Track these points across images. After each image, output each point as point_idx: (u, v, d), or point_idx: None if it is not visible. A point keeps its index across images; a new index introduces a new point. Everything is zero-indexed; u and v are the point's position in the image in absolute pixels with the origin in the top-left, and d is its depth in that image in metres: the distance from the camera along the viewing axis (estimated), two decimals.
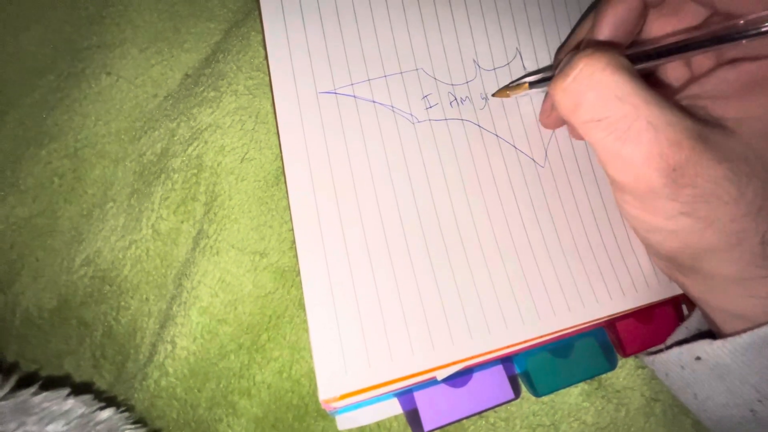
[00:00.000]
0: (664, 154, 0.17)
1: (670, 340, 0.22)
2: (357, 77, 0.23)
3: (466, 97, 0.25)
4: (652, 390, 0.23)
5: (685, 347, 0.20)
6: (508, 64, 0.26)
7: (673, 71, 0.22)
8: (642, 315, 0.24)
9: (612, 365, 0.23)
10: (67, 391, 0.20)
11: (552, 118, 0.23)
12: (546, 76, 0.22)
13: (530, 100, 0.25)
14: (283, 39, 0.23)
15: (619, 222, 0.24)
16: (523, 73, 0.25)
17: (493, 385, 0.21)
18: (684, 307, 0.25)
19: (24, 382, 0.20)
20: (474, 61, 0.25)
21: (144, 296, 0.22)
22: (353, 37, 0.24)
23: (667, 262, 0.21)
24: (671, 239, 0.19)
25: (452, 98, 0.24)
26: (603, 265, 0.23)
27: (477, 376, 0.21)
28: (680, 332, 0.23)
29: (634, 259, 0.23)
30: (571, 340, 0.23)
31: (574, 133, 0.24)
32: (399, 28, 0.24)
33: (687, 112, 0.18)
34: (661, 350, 0.21)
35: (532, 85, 0.22)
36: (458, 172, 0.23)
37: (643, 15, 0.20)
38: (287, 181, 0.21)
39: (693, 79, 0.20)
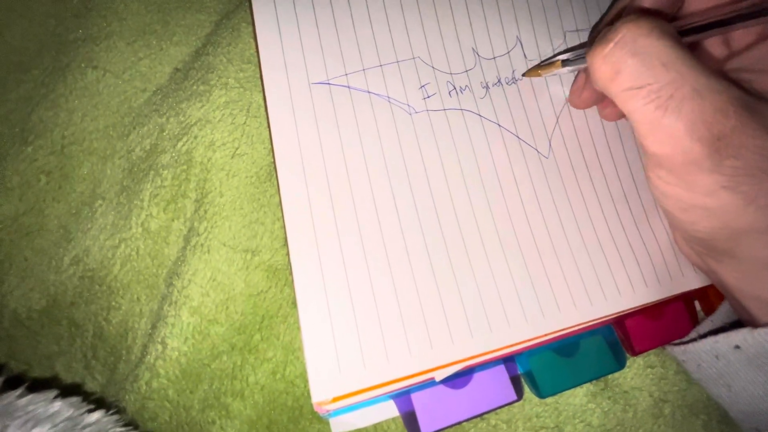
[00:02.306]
0: (708, 122, 0.16)
1: (694, 334, 0.22)
2: (351, 67, 0.22)
3: (466, 86, 0.24)
4: (661, 390, 0.22)
5: (722, 336, 0.19)
6: (508, 52, 0.25)
7: (711, 47, 0.21)
8: (652, 312, 0.23)
9: (621, 364, 0.22)
10: (54, 393, 0.20)
11: (583, 98, 0.22)
12: (580, 54, 0.21)
13: (546, 82, 0.24)
14: (274, 27, 0.22)
15: (628, 215, 0.23)
16: (523, 61, 0.24)
17: (494, 386, 0.20)
18: (696, 303, 0.24)
19: (12, 384, 0.20)
20: (473, 49, 0.24)
21: (135, 296, 0.22)
22: (347, 25, 0.23)
23: (700, 246, 0.20)
24: (708, 218, 0.18)
25: (451, 87, 0.23)
26: (611, 260, 0.22)
27: (477, 376, 0.20)
28: (705, 326, 0.22)
29: (645, 253, 0.22)
30: (576, 338, 0.22)
31: (606, 112, 0.23)
32: (395, 15, 0.23)
33: (732, 82, 0.17)
34: (689, 341, 0.21)
35: (565, 63, 0.22)
36: (458, 163, 0.22)
37: None
38: (278, 177, 0.20)
39: (732, 54, 0.20)
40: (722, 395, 0.20)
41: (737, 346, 0.18)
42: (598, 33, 0.20)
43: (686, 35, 0.18)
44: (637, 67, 0.17)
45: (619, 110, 0.22)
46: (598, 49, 0.17)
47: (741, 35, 0.20)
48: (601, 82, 0.18)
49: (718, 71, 0.18)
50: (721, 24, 0.18)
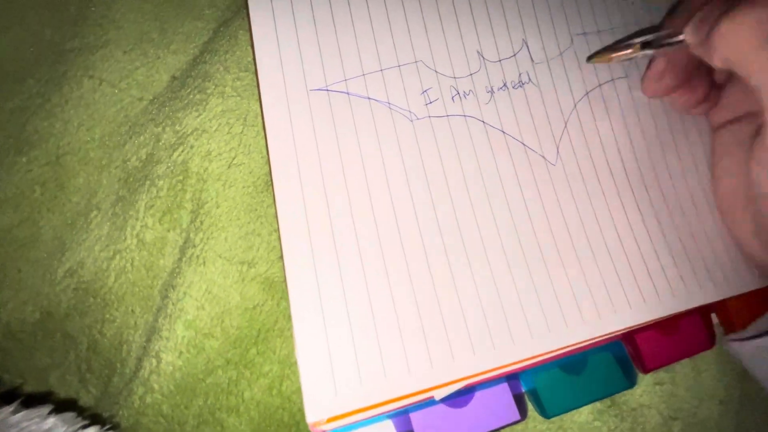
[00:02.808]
0: None
1: (752, 330, 0.21)
2: (351, 72, 0.22)
3: (470, 90, 0.23)
4: (671, 408, 0.21)
5: None
6: (514, 55, 0.24)
7: None
8: (665, 326, 0.21)
9: (631, 382, 0.21)
10: (48, 408, 0.19)
11: (664, 83, 0.21)
12: (661, 35, 0.20)
13: (553, 85, 0.23)
14: (271, 31, 0.21)
15: (640, 224, 0.22)
16: (530, 64, 0.24)
17: (497, 404, 0.19)
18: (713, 316, 0.23)
19: (6, 399, 0.20)
20: (478, 52, 0.23)
21: (129, 308, 0.22)
22: (347, 28, 0.22)
23: None
24: None
25: (454, 92, 0.23)
26: (622, 272, 0.21)
27: (479, 395, 0.19)
28: (763, 323, 0.21)
29: (657, 264, 0.21)
30: (584, 354, 0.21)
31: (683, 100, 0.22)
32: (396, 16, 0.23)
33: None
34: (747, 338, 0.20)
35: (646, 45, 0.21)
36: (461, 172, 0.21)
37: None
38: (274, 187, 0.20)
39: None
40: None
41: None
42: (700, 11, 0.18)
43: None
44: None
45: (698, 97, 0.21)
46: (739, 16, 0.16)
47: None
48: (737, 53, 0.16)
49: None
50: None
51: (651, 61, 0.22)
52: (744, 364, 0.20)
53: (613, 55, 0.21)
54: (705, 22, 0.18)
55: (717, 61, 0.17)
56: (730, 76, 0.22)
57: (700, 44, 0.18)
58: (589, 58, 0.23)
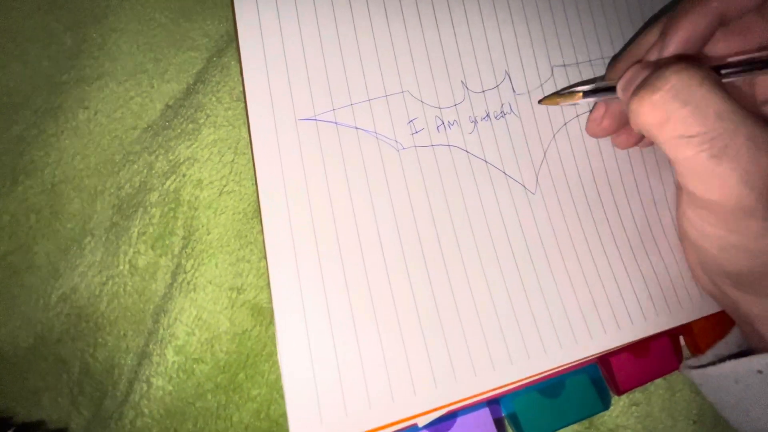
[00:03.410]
0: (763, 172, 0.16)
1: (710, 356, 0.22)
2: (339, 101, 0.22)
3: (455, 120, 0.24)
4: (647, 428, 0.22)
5: (743, 360, 0.19)
6: (497, 86, 0.25)
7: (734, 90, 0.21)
8: (637, 348, 0.22)
9: (606, 405, 0.22)
10: None
11: (603, 127, 0.23)
12: (601, 87, 0.22)
13: (534, 115, 0.24)
14: (261, 61, 0.21)
15: (614, 251, 0.23)
16: (511, 95, 0.25)
17: (478, 430, 0.20)
18: (681, 339, 0.24)
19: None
20: (462, 82, 0.24)
21: (121, 332, 0.22)
22: (336, 59, 0.22)
23: (727, 278, 0.20)
24: (750, 258, 0.18)
25: (439, 122, 0.24)
26: (597, 297, 0.22)
27: (461, 420, 0.20)
28: (720, 348, 0.22)
29: (630, 290, 0.22)
30: (562, 377, 0.22)
31: (620, 140, 0.24)
32: (384, 48, 0.23)
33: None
34: (707, 364, 0.21)
35: (586, 95, 0.22)
36: (444, 202, 0.22)
37: (713, 33, 0.20)
38: (262, 215, 0.20)
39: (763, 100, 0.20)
40: (739, 421, 0.20)
41: (760, 371, 0.18)
42: (618, 74, 0.20)
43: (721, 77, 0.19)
44: (689, 117, 0.17)
45: (633, 140, 0.23)
46: (645, 95, 0.17)
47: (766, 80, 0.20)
48: (646, 127, 0.18)
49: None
50: (749, 69, 0.18)
51: (594, 105, 0.24)
52: (703, 390, 0.22)
53: (559, 99, 0.23)
54: (628, 86, 0.20)
55: (634, 126, 0.19)
56: None
57: (626, 105, 0.19)
58: (540, 101, 0.24)
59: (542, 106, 0.25)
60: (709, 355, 0.22)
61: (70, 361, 0.22)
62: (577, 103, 0.24)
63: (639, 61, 0.21)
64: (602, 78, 0.25)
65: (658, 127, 0.17)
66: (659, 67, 0.18)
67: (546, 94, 0.25)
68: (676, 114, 0.17)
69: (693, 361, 0.22)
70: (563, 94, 0.23)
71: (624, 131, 0.23)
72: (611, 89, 0.21)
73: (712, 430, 0.24)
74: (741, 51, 0.20)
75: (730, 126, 0.16)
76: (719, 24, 0.20)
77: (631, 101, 0.18)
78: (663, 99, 0.17)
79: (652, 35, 0.21)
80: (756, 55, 0.19)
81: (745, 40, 0.20)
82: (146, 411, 0.21)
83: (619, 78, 0.21)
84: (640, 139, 0.24)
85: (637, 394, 0.23)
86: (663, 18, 0.21)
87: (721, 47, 0.20)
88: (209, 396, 0.21)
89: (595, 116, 0.23)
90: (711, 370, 0.20)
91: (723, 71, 0.19)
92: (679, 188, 0.23)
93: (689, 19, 0.19)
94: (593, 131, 0.23)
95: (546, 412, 0.21)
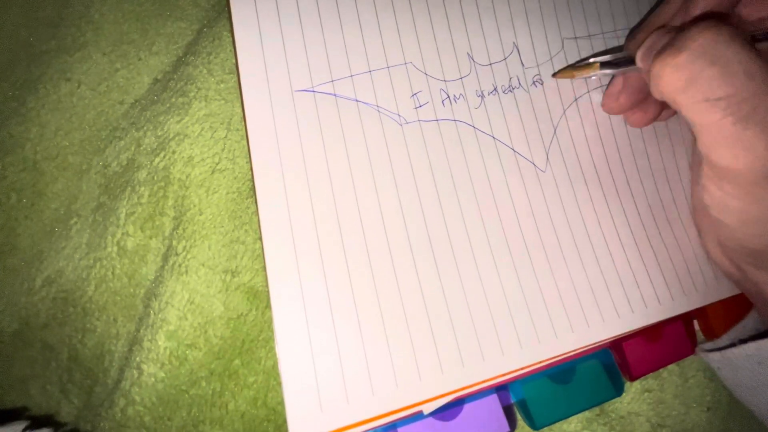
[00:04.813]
0: None
1: (726, 340, 0.21)
2: (338, 73, 0.21)
3: (460, 94, 0.22)
4: (659, 415, 0.21)
5: (766, 342, 0.18)
6: (505, 59, 0.23)
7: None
8: (650, 333, 0.22)
9: (618, 391, 0.21)
10: (24, 424, 0.19)
11: (620, 103, 0.22)
12: (620, 57, 0.21)
13: (543, 92, 0.23)
14: (254, 29, 0.20)
15: (627, 232, 0.22)
16: (520, 68, 0.23)
17: (486, 416, 0.19)
18: (695, 323, 0.23)
19: None
20: (468, 55, 0.23)
21: (111, 317, 0.21)
22: (335, 28, 0.21)
23: (748, 256, 0.19)
24: None
25: (444, 96, 0.22)
26: (610, 280, 0.21)
27: (468, 407, 0.19)
28: (737, 331, 0.21)
29: (644, 272, 0.21)
30: (572, 363, 0.21)
31: (635, 117, 0.22)
32: (386, 16, 0.22)
33: None
34: (726, 347, 0.20)
35: (604, 65, 0.21)
36: (450, 179, 0.21)
37: None
38: (257, 193, 0.19)
39: None
40: (759, 405, 0.19)
41: None
42: (641, 40, 0.18)
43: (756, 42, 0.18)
44: (716, 77, 0.16)
45: (648, 117, 0.22)
46: (668, 58, 0.16)
47: None
48: (667, 91, 0.17)
49: None
50: None
51: (611, 79, 0.22)
52: (720, 374, 0.21)
53: (575, 72, 0.22)
54: (649, 53, 0.18)
55: (655, 94, 0.18)
56: None
57: (647, 72, 0.18)
58: (554, 74, 0.23)
59: (552, 81, 0.23)
60: (725, 339, 0.21)
61: (57, 348, 0.21)
62: (592, 77, 0.22)
63: (661, 27, 0.20)
64: (619, 49, 0.24)
65: (682, 91, 0.16)
66: (683, 30, 0.17)
67: (557, 69, 0.23)
68: (702, 74, 0.16)
69: (709, 345, 0.21)
70: (579, 66, 0.22)
71: (639, 108, 0.22)
72: (630, 60, 0.20)
73: (726, 417, 0.23)
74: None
75: (760, 87, 0.15)
76: None
77: (653, 66, 0.17)
78: (689, 59, 0.16)
79: (675, 3, 0.20)
80: None
81: None
82: (138, 399, 0.20)
83: (639, 47, 0.19)
84: (655, 117, 0.22)
85: (649, 381, 0.22)
86: None
87: (749, 11, 0.19)
88: (203, 383, 0.20)
89: (612, 91, 0.22)
90: (731, 352, 0.19)
91: (752, 36, 0.18)
92: (696, 163, 0.22)
93: None
94: (609, 107, 0.22)
95: (556, 398, 0.20)
